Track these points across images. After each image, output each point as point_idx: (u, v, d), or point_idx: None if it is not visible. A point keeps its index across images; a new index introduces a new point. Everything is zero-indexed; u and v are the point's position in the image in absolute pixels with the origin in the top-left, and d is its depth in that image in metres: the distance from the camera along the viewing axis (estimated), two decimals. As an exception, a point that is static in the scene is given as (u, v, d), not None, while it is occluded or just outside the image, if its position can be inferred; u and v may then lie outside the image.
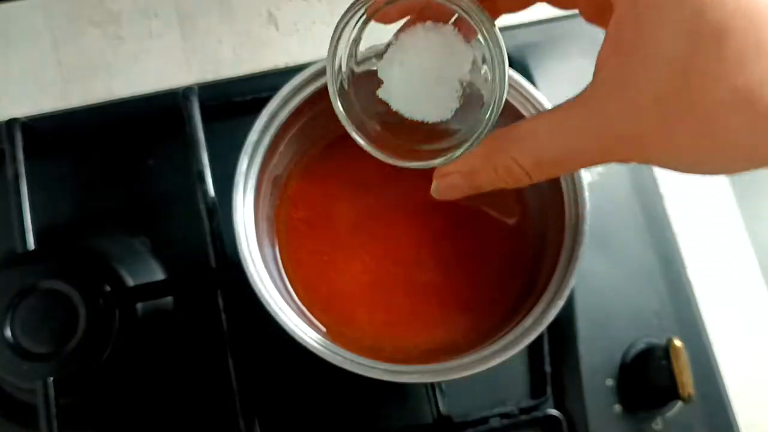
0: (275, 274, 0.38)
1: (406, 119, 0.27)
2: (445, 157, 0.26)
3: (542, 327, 0.34)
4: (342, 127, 0.32)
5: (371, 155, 0.28)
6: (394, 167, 0.40)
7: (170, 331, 0.43)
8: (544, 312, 0.35)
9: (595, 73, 0.22)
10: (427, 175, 0.42)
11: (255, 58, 0.49)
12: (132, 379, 0.42)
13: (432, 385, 0.41)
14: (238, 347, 0.40)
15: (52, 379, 0.37)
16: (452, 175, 0.26)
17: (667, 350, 0.39)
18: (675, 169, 0.22)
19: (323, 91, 0.37)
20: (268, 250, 0.39)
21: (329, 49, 0.26)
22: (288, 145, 0.39)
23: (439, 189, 0.27)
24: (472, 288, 0.41)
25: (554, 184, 0.38)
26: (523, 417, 0.42)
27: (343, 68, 0.27)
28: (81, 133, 0.46)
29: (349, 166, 0.41)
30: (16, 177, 0.41)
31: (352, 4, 0.24)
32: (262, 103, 0.37)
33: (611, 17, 0.21)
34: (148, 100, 0.47)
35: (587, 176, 0.39)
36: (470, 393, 0.42)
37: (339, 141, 0.42)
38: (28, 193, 0.41)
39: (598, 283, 0.44)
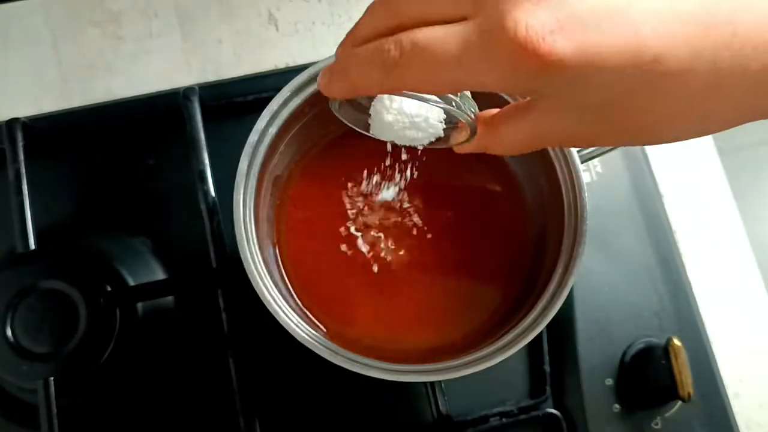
0: (276, 273, 0.38)
1: None
2: (452, 145, 0.31)
3: (541, 326, 0.34)
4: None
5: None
6: (393, 168, 0.40)
7: (171, 331, 0.43)
8: (544, 311, 0.35)
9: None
10: (427, 174, 0.42)
11: (255, 58, 0.50)
12: (133, 379, 0.42)
13: (432, 384, 0.41)
14: (238, 347, 0.40)
15: (52, 378, 0.37)
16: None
17: (666, 350, 0.40)
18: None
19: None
20: (268, 250, 0.39)
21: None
22: (288, 145, 0.39)
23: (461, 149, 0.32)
24: (471, 287, 0.41)
25: (554, 184, 0.38)
26: (523, 416, 0.42)
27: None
28: (81, 133, 0.46)
29: (349, 167, 0.41)
30: (17, 177, 0.42)
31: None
32: (263, 103, 0.37)
33: None
34: (148, 100, 0.47)
35: (586, 176, 0.39)
36: (470, 392, 0.42)
37: (339, 141, 0.42)
38: (29, 193, 0.41)
39: (597, 282, 0.44)
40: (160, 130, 0.46)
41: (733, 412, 0.43)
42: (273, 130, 0.37)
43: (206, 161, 0.42)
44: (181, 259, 0.45)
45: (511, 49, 0.21)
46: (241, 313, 0.40)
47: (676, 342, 0.40)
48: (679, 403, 0.42)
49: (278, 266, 0.40)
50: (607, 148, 0.38)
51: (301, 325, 0.34)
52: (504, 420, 0.42)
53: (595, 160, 0.46)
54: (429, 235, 0.41)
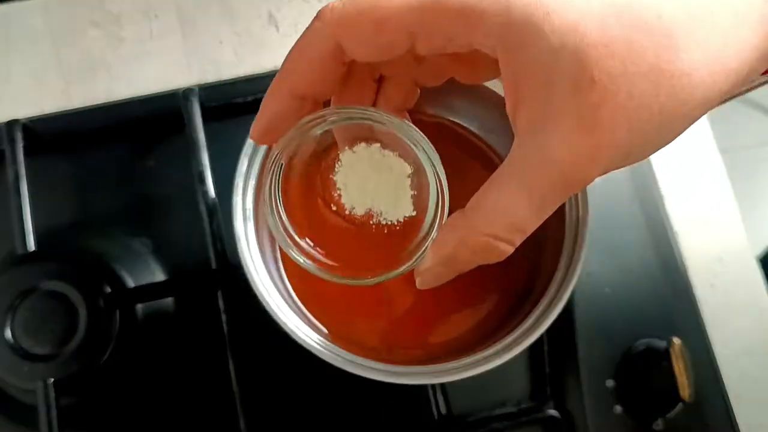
0: (275, 275, 0.38)
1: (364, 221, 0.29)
2: (410, 263, 0.26)
3: (542, 329, 0.34)
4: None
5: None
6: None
7: (171, 332, 0.43)
8: (544, 313, 0.35)
9: (514, 128, 0.23)
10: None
11: (255, 59, 0.49)
12: (132, 380, 0.42)
13: (433, 386, 0.41)
14: (238, 348, 0.40)
15: (52, 380, 0.37)
16: (431, 270, 0.26)
17: (667, 351, 0.39)
18: None
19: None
20: (268, 251, 0.39)
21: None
22: (288, 146, 0.39)
23: (424, 283, 0.26)
24: (472, 290, 0.41)
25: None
26: (524, 418, 0.42)
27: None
28: (82, 134, 0.46)
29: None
30: (17, 178, 0.42)
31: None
32: (263, 104, 0.37)
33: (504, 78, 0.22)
34: (148, 101, 0.47)
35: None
36: (471, 394, 0.42)
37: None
38: (29, 194, 0.41)
39: (598, 284, 0.44)
40: (160, 131, 0.46)
41: (734, 413, 0.43)
42: (273, 131, 0.37)
43: (206, 162, 0.42)
44: (181, 261, 0.45)
45: None
46: (241, 314, 0.40)
47: (678, 343, 0.40)
48: (681, 404, 0.42)
49: (278, 267, 0.40)
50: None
51: (302, 326, 0.34)
52: (505, 422, 0.42)
53: (596, 161, 0.46)
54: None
